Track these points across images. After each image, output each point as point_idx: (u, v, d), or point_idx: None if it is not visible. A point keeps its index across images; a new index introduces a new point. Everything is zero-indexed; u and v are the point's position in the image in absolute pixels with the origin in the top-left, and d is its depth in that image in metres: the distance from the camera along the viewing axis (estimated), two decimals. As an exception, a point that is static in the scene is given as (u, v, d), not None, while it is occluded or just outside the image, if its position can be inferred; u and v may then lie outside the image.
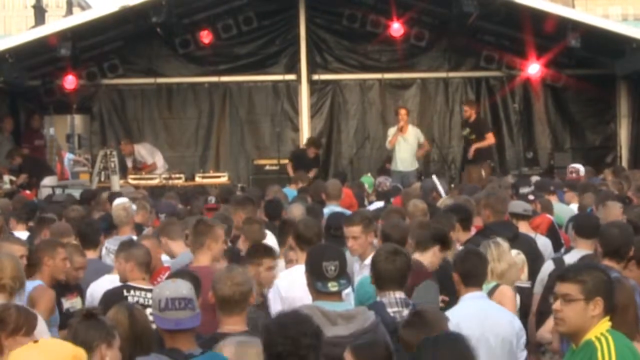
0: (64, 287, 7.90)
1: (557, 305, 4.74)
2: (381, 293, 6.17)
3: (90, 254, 8.74)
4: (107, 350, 4.88)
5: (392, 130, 19.26)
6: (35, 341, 4.28)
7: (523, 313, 7.58)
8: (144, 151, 20.34)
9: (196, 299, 5.45)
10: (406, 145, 19.02)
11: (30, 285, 7.30)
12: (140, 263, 7.43)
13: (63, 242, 8.24)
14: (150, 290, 7.19)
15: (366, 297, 7.09)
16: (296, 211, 10.27)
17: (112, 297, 7.00)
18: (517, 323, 6.53)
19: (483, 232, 9.14)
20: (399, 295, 6.13)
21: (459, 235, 8.85)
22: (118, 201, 11.58)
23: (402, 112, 19.25)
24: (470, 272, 6.47)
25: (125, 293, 7.21)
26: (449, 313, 6.19)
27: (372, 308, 5.99)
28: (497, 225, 9.25)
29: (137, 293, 7.21)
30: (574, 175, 14.46)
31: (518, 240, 8.87)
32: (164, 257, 8.67)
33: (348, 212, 10.91)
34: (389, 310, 5.99)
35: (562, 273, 4.86)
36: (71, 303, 7.76)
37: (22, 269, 6.85)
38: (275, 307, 7.04)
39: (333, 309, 5.56)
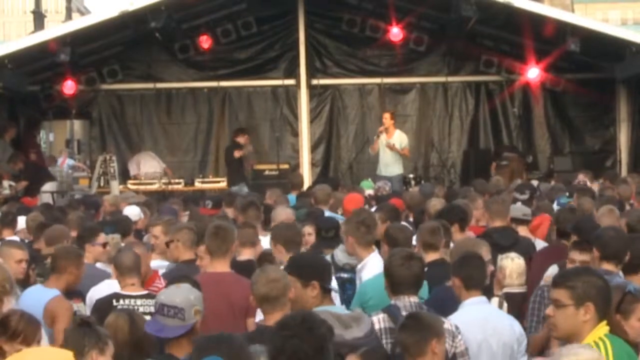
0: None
1: (549, 310, 4.80)
2: (395, 297, 6.18)
3: (87, 259, 8.71)
4: (98, 357, 4.89)
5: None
6: (18, 350, 4.28)
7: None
8: (134, 162, 20.25)
9: (194, 309, 5.43)
10: (389, 150, 19.00)
11: (49, 293, 7.25)
12: (125, 268, 7.38)
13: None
14: (140, 297, 7.22)
15: (365, 298, 7.11)
16: (280, 215, 10.27)
17: (103, 307, 6.99)
18: (518, 328, 6.55)
19: (483, 237, 9.15)
20: (414, 299, 6.16)
21: (456, 236, 8.87)
22: (129, 208, 11.68)
23: (386, 116, 19.31)
24: (472, 276, 6.47)
25: (114, 302, 7.17)
26: (451, 318, 6.19)
27: (387, 311, 6.06)
28: (498, 231, 9.30)
29: (127, 301, 7.17)
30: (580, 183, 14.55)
31: (518, 246, 8.92)
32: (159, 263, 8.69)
33: (340, 217, 10.92)
34: (403, 313, 6.00)
35: (554, 279, 4.89)
36: (77, 307, 7.76)
37: (9, 270, 6.84)
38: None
39: (341, 312, 5.62)
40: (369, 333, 5.48)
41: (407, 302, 6.12)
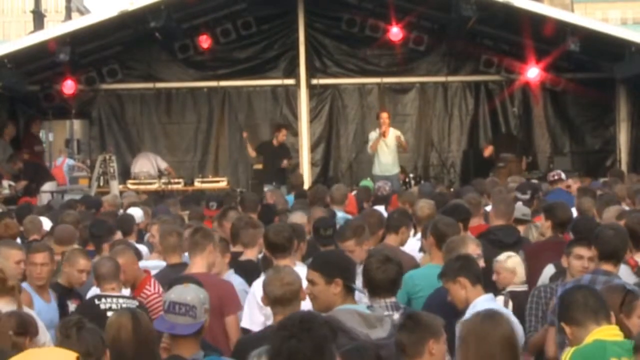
0: (69, 291, 7.91)
1: None
2: (372, 299, 6.19)
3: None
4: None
5: (373, 135, 19.28)
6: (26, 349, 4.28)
7: (517, 317, 7.57)
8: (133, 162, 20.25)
9: (204, 308, 5.42)
10: (387, 150, 18.99)
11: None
12: (101, 276, 7.42)
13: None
14: (122, 296, 7.32)
15: (414, 290, 7.16)
16: (297, 219, 10.26)
17: (85, 308, 7.03)
18: (520, 326, 6.61)
19: (486, 235, 9.19)
20: (390, 300, 6.18)
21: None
22: (132, 210, 11.69)
23: (384, 115, 19.27)
24: (476, 272, 6.51)
25: (97, 302, 7.25)
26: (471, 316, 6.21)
27: None
28: (501, 229, 9.31)
29: (109, 300, 7.24)
30: (555, 177, 14.47)
31: (519, 245, 8.94)
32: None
33: (349, 216, 10.92)
34: None
35: None
36: (75, 307, 7.76)
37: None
38: (253, 315, 6.98)
39: (367, 312, 5.63)
40: (391, 334, 5.49)
41: (382, 303, 6.13)
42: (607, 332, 4.90)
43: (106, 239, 9.07)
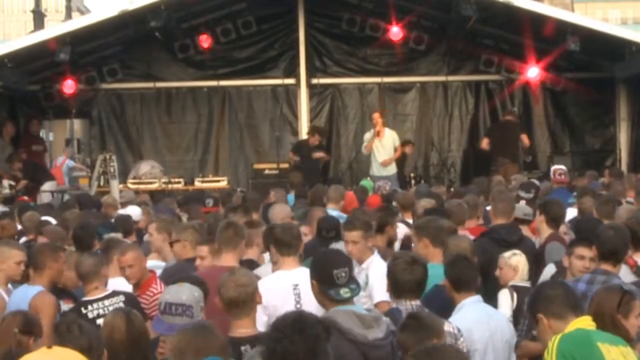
0: (61, 291, 7.89)
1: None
2: (397, 300, 6.21)
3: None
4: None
5: (367, 135, 19.29)
6: (49, 346, 4.28)
7: (519, 312, 7.59)
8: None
9: (199, 306, 5.41)
10: (383, 150, 19.00)
11: (33, 290, 7.29)
12: (84, 275, 7.37)
13: (64, 247, 8.27)
14: (107, 297, 7.24)
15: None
16: (278, 213, 10.26)
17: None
18: (511, 325, 6.63)
19: (489, 233, 9.20)
20: (415, 302, 6.17)
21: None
22: (130, 208, 11.67)
23: (376, 116, 19.28)
24: (460, 278, 6.49)
25: (83, 310, 7.17)
26: (458, 319, 6.20)
27: (389, 314, 6.04)
28: (503, 228, 9.31)
29: (95, 306, 7.18)
30: (563, 177, 14.45)
31: (522, 244, 8.96)
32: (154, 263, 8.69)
33: (344, 215, 10.91)
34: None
35: None
36: (68, 307, 7.75)
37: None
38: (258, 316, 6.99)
39: (364, 313, 5.60)
40: (387, 334, 5.48)
41: (408, 306, 6.14)
42: (584, 323, 5.04)
43: (91, 241, 9.08)
